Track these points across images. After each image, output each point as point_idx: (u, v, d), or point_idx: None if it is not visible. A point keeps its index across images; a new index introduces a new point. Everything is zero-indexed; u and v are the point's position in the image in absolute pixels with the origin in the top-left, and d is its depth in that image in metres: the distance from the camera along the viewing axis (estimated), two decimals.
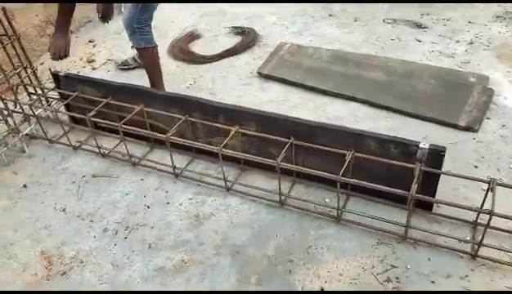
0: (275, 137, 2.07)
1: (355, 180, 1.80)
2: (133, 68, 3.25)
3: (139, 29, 2.52)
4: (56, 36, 2.50)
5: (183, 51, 3.40)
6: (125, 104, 2.35)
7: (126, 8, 2.55)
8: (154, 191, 2.25)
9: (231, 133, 2.13)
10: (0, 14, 2.34)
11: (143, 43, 2.58)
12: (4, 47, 2.40)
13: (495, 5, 3.70)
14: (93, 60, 3.45)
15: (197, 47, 3.53)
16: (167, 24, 3.84)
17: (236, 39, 3.57)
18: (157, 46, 2.67)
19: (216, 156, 2.20)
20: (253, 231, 1.99)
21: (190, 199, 2.19)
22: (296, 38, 3.51)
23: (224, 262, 1.87)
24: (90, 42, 3.70)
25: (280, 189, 2.03)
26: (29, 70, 2.57)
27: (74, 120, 2.66)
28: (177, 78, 3.13)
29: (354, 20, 3.72)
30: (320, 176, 1.89)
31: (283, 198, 2.08)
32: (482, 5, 3.74)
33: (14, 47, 2.46)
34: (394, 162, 1.82)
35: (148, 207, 2.16)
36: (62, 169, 2.43)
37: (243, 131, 2.15)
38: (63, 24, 2.48)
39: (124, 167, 2.41)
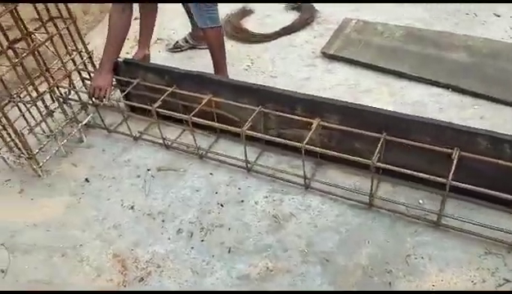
0: (364, 132, 1.86)
1: (470, 186, 1.60)
2: (186, 49, 3.05)
3: (206, 7, 2.32)
4: (98, 73, 2.27)
5: (236, 29, 3.17)
6: (191, 94, 2.17)
7: None
8: (225, 187, 2.09)
9: (313, 127, 1.93)
10: None
11: (210, 22, 2.37)
12: (60, 34, 2.22)
13: None
14: None
15: (250, 24, 3.29)
16: None
17: (292, 15, 3.32)
18: (222, 26, 2.46)
19: (287, 148, 2.04)
20: (340, 236, 1.83)
21: (266, 197, 2.02)
22: (357, 13, 3.23)
23: (314, 271, 1.72)
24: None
25: (371, 189, 1.84)
26: (84, 55, 2.40)
27: (131, 108, 2.50)
28: (234, 59, 2.91)
29: None
30: (409, 174, 1.70)
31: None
32: None
33: (69, 31, 2.28)
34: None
35: (222, 206, 2.01)
36: (124, 161, 2.29)
37: (325, 124, 1.96)
38: (111, 57, 2.26)
39: (190, 160, 2.25)
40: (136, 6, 2.45)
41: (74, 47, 2.37)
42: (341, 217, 1.90)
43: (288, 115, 2.03)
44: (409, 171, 1.73)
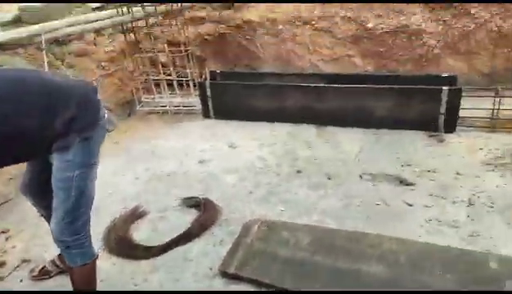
0: None
1: None
2: (54, 275, 2.44)
3: (74, 242, 1.78)
4: None
5: (121, 241, 2.66)
6: None
7: (53, 212, 1.76)
8: None
9: None
10: None
11: (80, 260, 1.83)
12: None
13: (479, 151, 3.35)
14: (3, 263, 2.60)
15: (140, 233, 2.78)
16: (102, 196, 2.98)
17: (190, 215, 2.90)
18: (97, 255, 1.94)
19: None
20: None
21: None
22: (263, 208, 2.90)
23: None
24: (2, 232, 2.89)
25: None
26: None
27: None
28: (112, 283, 2.33)
29: (327, 177, 3.20)
30: None
31: None
32: (462, 151, 3.38)
33: None
34: None
35: None
36: None
37: None
38: None
39: None
40: None
41: None
42: None
43: None
44: None
